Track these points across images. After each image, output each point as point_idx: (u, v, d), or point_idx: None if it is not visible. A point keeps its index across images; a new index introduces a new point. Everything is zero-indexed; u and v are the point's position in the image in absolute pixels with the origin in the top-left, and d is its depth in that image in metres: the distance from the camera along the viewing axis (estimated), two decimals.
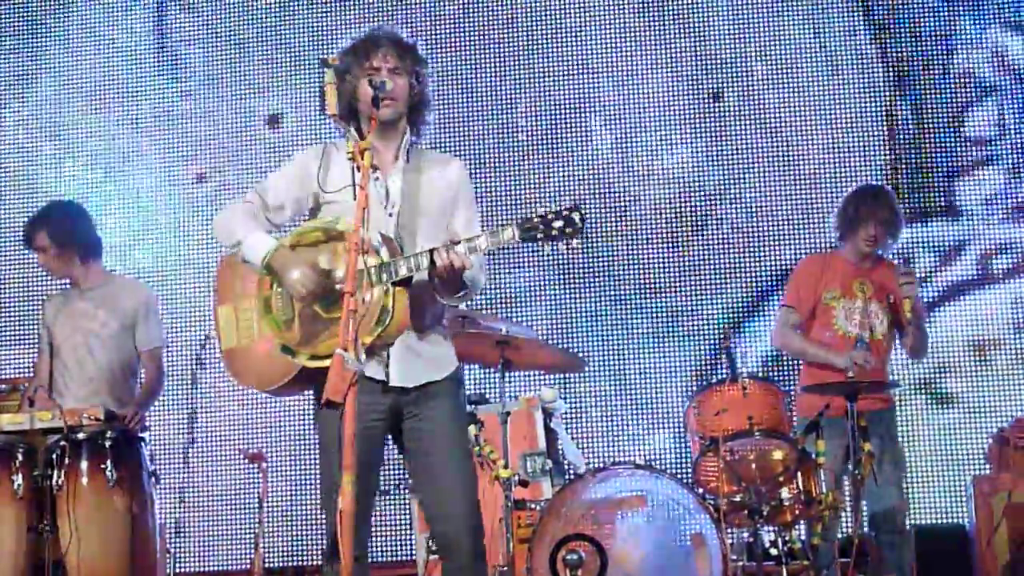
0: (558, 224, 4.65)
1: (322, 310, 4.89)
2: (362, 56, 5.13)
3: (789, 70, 9.24)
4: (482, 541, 5.10)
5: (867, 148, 9.13)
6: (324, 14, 9.66)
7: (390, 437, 5.15)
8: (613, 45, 9.41)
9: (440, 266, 4.77)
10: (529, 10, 9.49)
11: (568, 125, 9.36)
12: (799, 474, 6.81)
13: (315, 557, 8.91)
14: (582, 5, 9.46)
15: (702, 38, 9.33)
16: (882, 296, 7.19)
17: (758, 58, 9.26)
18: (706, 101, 9.27)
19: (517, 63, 9.46)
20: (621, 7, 9.43)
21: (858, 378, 6.77)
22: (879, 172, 9.03)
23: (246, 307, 5.12)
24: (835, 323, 7.24)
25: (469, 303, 5.45)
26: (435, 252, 4.78)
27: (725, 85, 9.27)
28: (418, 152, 5.22)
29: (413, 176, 5.14)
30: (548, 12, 9.48)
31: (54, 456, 6.42)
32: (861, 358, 6.98)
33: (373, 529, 5.18)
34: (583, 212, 4.65)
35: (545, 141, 9.35)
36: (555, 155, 9.30)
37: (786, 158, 9.13)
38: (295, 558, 9.10)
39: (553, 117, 9.38)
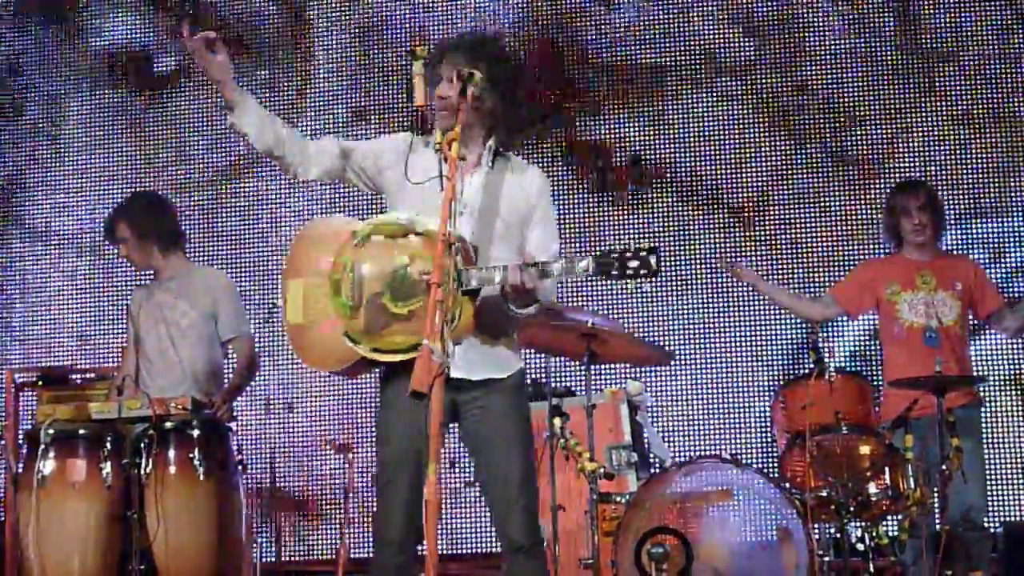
0: (633, 264, 4.66)
1: (390, 303, 4.90)
2: (433, 64, 5.14)
3: (870, 61, 9.18)
4: (536, 535, 5.11)
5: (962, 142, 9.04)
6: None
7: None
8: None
9: (511, 285, 4.80)
10: None
11: (652, 113, 9.35)
12: (887, 469, 6.76)
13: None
14: None
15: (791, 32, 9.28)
16: (948, 285, 7.18)
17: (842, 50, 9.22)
18: (792, 93, 9.21)
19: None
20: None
21: (943, 371, 6.73)
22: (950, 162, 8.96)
23: (316, 284, 5.10)
24: (899, 316, 7.22)
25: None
26: (508, 269, 4.80)
27: (810, 75, 9.21)
28: (504, 160, 5.22)
29: (492, 180, 5.15)
30: None
31: (142, 445, 6.47)
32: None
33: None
34: (659, 255, 4.66)
35: (628, 127, 9.32)
36: (638, 142, 9.28)
37: (875, 156, 9.06)
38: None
39: (634, 100, 9.37)
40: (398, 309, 4.87)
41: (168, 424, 6.53)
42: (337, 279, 5.05)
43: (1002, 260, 8.82)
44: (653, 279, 4.67)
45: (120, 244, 7.25)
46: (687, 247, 9.15)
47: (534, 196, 5.19)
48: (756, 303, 8.99)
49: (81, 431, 6.53)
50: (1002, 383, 8.42)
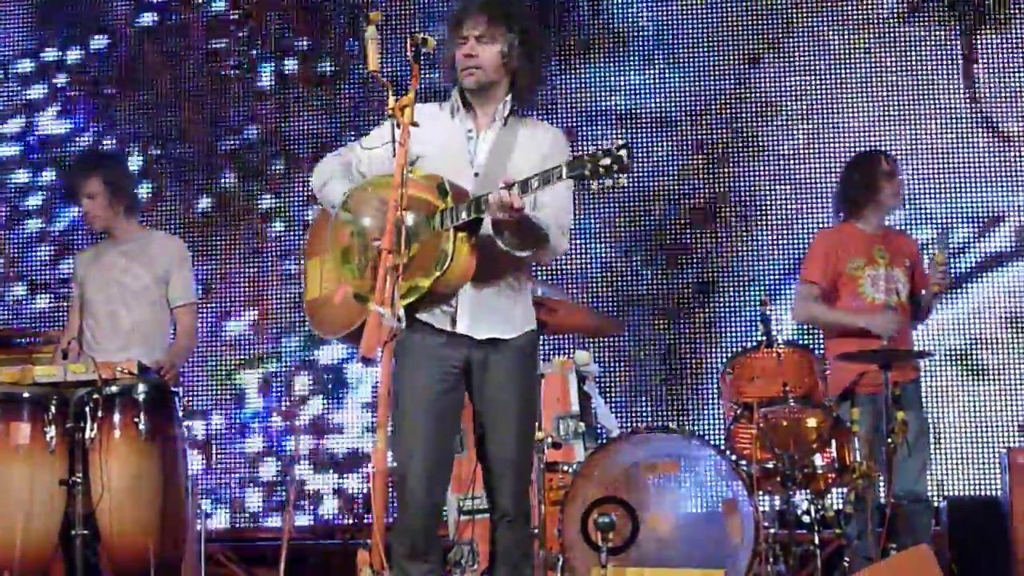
0: (605, 162, 4.62)
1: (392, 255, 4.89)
2: (454, 24, 5.17)
3: (831, 39, 9.17)
4: (524, 506, 5.16)
5: (899, 122, 9.05)
6: None
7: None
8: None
9: (493, 204, 4.74)
10: None
11: (605, 84, 9.31)
12: (833, 441, 6.80)
13: (346, 518, 8.93)
14: None
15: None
16: (900, 261, 7.21)
17: (800, 24, 9.20)
18: (745, 67, 9.20)
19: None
20: None
21: (890, 345, 6.75)
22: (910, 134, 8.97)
23: (330, 257, 5.12)
24: (862, 291, 7.22)
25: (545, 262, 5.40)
26: (488, 193, 4.77)
27: (763, 50, 9.20)
28: (517, 119, 5.22)
29: (505, 140, 5.14)
30: None
31: (87, 409, 6.38)
32: (896, 321, 6.98)
33: None
34: (630, 149, 4.63)
35: (580, 103, 9.30)
36: (588, 120, 9.24)
37: (827, 127, 9.06)
38: (327, 519, 9.11)
39: (590, 78, 9.33)
40: (399, 259, 4.83)
41: (113, 388, 6.46)
42: (345, 246, 5.04)
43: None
44: (627, 174, 4.62)
45: (86, 199, 7.16)
46: (638, 218, 9.13)
47: (549, 152, 5.13)
48: (706, 275, 8.99)
49: (25, 394, 6.45)
50: (945, 358, 8.44)
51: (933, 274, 7.07)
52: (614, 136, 4.71)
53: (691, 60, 9.23)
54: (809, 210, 8.95)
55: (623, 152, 4.61)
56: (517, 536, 5.13)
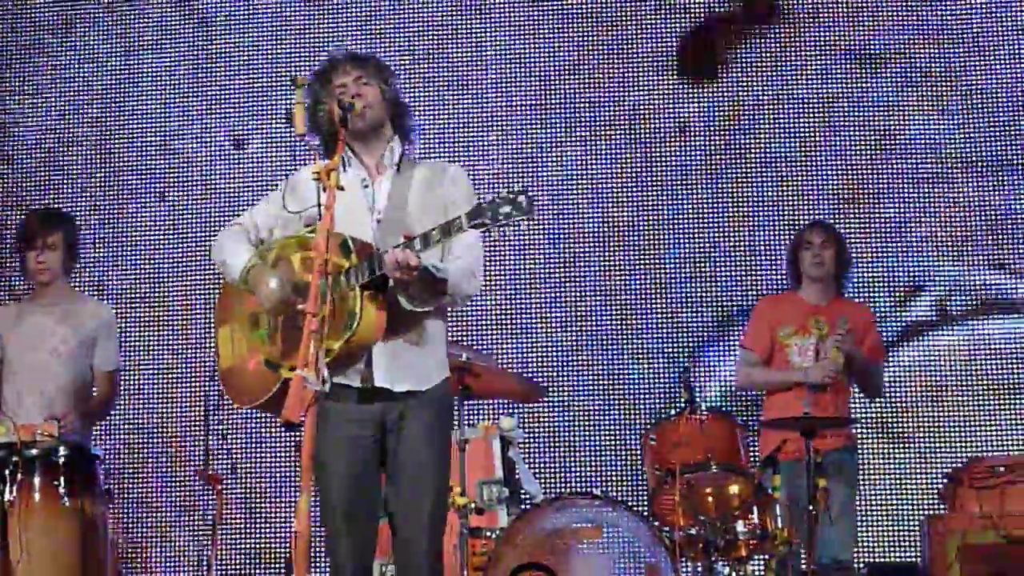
0: (505, 209, 4.63)
1: (300, 318, 4.87)
2: (325, 79, 5.19)
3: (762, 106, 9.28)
4: (438, 567, 5.09)
5: (825, 184, 9.15)
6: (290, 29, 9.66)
7: None
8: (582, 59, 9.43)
9: (389, 264, 4.75)
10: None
11: (526, 141, 9.36)
12: (755, 509, 6.82)
13: None
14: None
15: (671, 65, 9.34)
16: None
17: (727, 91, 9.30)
18: (673, 132, 9.26)
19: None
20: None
21: (813, 413, 6.80)
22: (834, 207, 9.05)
23: (240, 325, 5.11)
24: (790, 360, 7.29)
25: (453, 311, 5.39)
26: (384, 252, 4.78)
27: (691, 117, 9.27)
28: (411, 162, 5.24)
29: (401, 184, 5.15)
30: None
31: (6, 472, 6.33)
32: (831, 368, 7.06)
33: None
34: (530, 195, 4.65)
35: (501, 158, 9.33)
36: (515, 175, 9.27)
37: (751, 190, 9.14)
38: None
39: (513, 131, 9.38)
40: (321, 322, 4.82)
41: (34, 451, 6.42)
42: (254, 312, 5.03)
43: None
44: (528, 220, 4.64)
45: (47, 250, 7.10)
46: (559, 283, 9.16)
47: (449, 191, 5.17)
48: (628, 341, 9.03)
49: None
50: (865, 426, 8.50)
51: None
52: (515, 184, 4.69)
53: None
54: (735, 275, 9.01)
55: (522, 198, 4.62)
56: None
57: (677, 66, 9.25)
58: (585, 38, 9.42)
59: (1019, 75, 9.09)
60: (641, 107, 9.29)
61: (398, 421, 5.05)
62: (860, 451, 7.52)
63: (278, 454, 9.04)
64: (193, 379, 9.11)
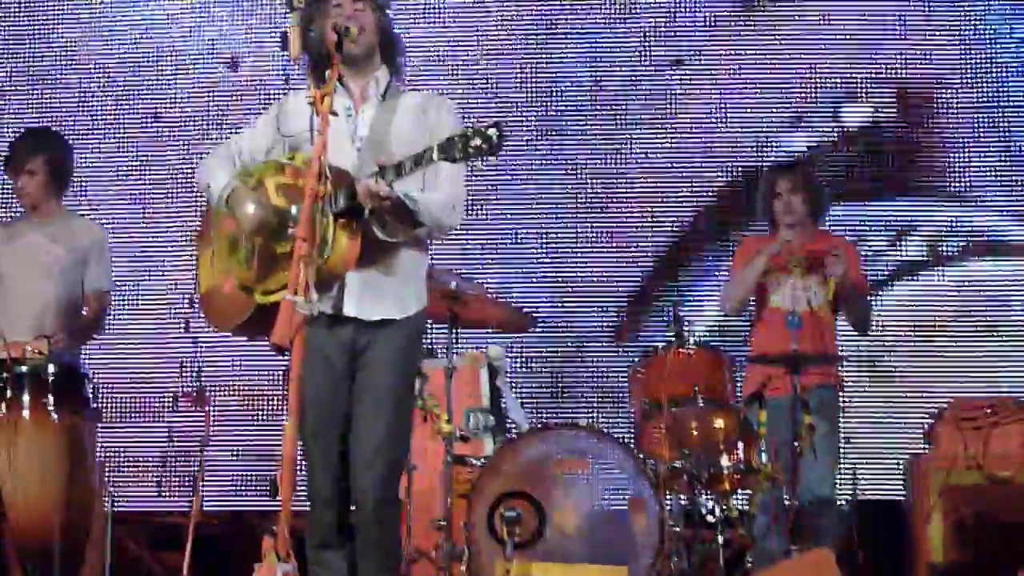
0: (476, 142, 4.62)
1: (276, 246, 4.87)
2: (321, 2, 5.14)
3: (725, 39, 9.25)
4: (386, 495, 5.07)
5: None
6: None
7: None
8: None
9: (361, 193, 4.75)
10: None
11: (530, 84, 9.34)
12: (740, 444, 6.85)
13: (256, 502, 8.91)
14: None
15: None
16: (818, 269, 7.25)
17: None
18: (666, 69, 9.24)
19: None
20: None
21: (800, 349, 6.81)
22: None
23: (219, 249, 5.11)
24: (768, 297, 7.30)
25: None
26: (357, 181, 4.78)
27: (685, 53, 9.25)
28: (398, 91, 5.22)
29: (386, 113, 5.13)
30: None
31: None
32: (790, 237, 7.19)
33: None
34: (501, 130, 4.64)
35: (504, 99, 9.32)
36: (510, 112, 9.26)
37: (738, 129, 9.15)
38: (236, 500, 9.08)
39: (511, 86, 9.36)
40: (283, 248, 4.82)
41: (23, 368, 6.45)
42: (232, 235, 5.03)
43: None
44: (498, 153, 4.64)
45: (26, 175, 7.11)
46: (555, 216, 9.16)
47: (432, 120, 5.16)
48: (622, 270, 9.04)
49: None
50: (853, 364, 8.51)
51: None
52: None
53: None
54: (727, 209, 9.01)
55: (492, 131, 4.61)
56: (379, 528, 5.05)
57: None
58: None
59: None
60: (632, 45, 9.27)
61: (366, 348, 5.06)
62: (845, 389, 7.55)
63: (266, 376, 9.06)
64: (184, 300, 9.11)
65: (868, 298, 7.69)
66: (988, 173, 9.00)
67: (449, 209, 5.08)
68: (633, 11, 9.27)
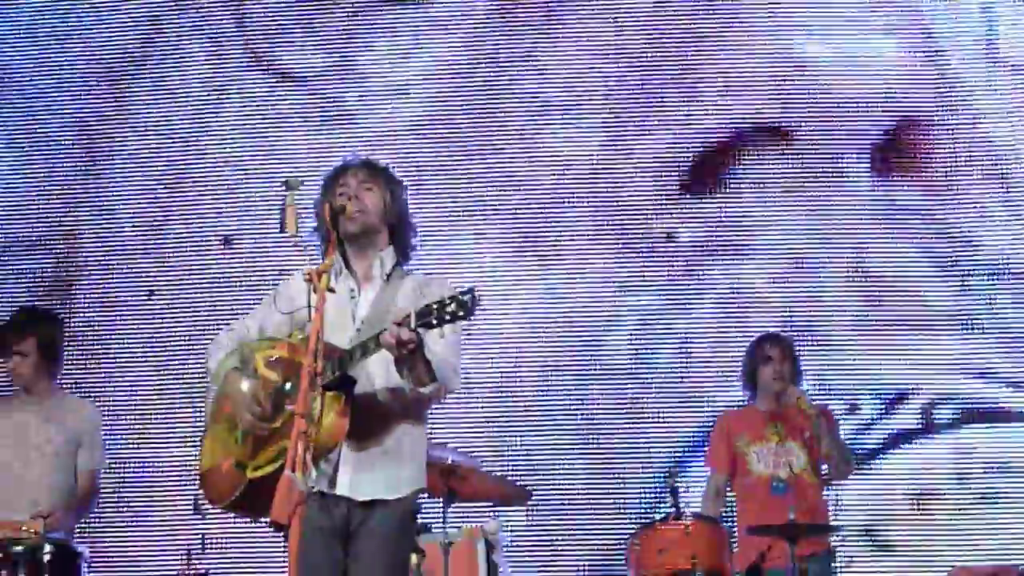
0: (451, 308, 4.65)
1: (268, 422, 4.88)
2: (333, 178, 5.24)
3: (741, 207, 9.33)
4: None
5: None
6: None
7: None
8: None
9: (386, 343, 4.73)
10: None
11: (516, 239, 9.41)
12: None
13: None
14: None
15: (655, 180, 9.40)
16: (797, 434, 7.30)
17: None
18: (659, 241, 9.31)
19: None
20: None
21: (796, 519, 6.80)
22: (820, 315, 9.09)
23: (221, 428, 5.11)
24: (750, 468, 7.34)
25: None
26: (382, 331, 4.76)
27: (679, 225, 9.32)
28: (401, 274, 5.26)
29: (386, 294, 5.16)
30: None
31: None
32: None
33: None
34: (475, 295, 4.67)
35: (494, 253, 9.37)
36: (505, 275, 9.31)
37: (734, 294, 9.18)
38: None
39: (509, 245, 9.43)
40: (272, 424, 4.84)
41: (18, 548, 6.40)
42: (231, 414, 5.04)
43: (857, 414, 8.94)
44: (472, 318, 4.67)
45: (17, 356, 7.12)
46: (546, 387, 9.17)
47: (430, 298, 5.10)
48: (615, 446, 9.03)
49: None
50: (851, 534, 8.47)
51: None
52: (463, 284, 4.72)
53: None
54: (723, 380, 9.01)
55: (467, 298, 4.65)
56: None
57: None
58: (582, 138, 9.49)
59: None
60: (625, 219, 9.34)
61: (359, 528, 5.02)
62: (843, 558, 7.52)
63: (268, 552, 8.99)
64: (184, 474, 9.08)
65: (842, 440, 7.71)
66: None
67: (451, 371, 5.06)
68: None
